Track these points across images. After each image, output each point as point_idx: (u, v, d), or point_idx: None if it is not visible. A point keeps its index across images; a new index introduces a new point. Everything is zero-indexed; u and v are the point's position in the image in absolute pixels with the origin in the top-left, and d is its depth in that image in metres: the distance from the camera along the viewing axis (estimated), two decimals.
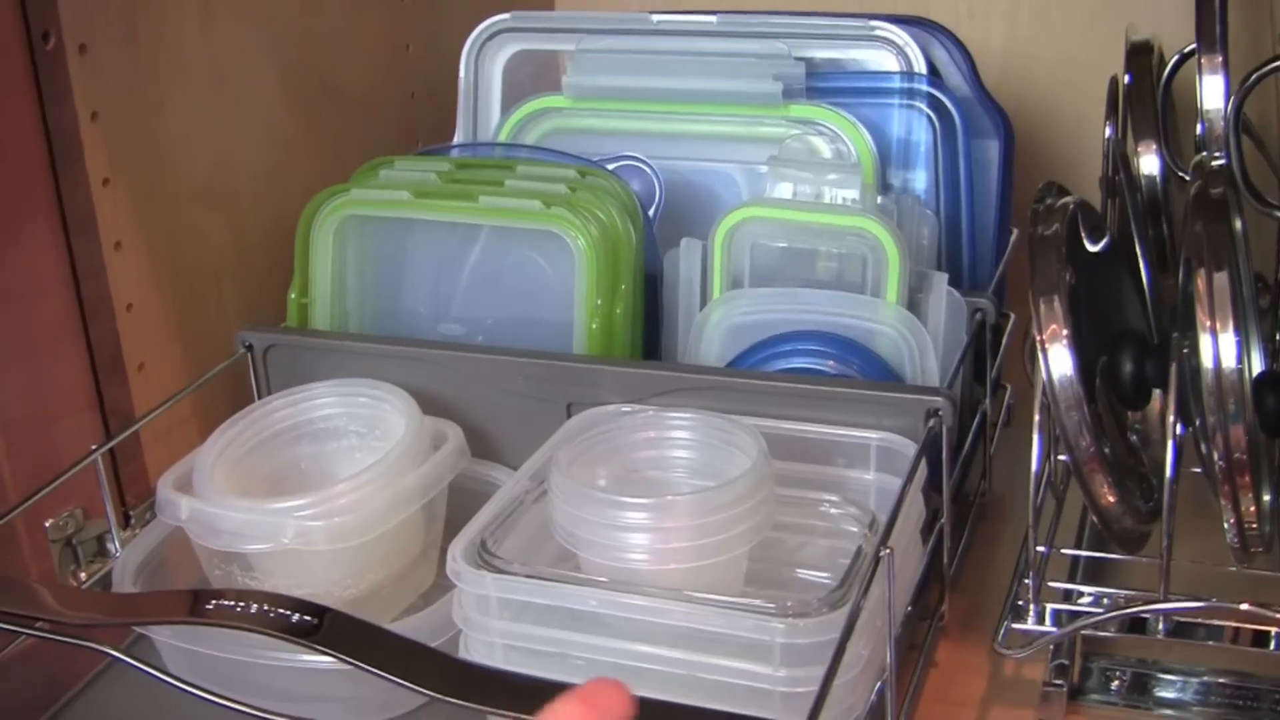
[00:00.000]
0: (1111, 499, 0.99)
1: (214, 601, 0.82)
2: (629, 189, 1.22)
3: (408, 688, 0.75)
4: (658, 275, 1.22)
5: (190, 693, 0.82)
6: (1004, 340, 1.27)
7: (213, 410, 1.19)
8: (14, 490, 1.08)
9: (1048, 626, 1.02)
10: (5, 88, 1.07)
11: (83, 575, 1.14)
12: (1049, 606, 1.03)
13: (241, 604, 0.81)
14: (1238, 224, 0.97)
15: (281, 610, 0.80)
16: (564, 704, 0.61)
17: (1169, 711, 1.02)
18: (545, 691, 0.75)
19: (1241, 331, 0.91)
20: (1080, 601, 1.06)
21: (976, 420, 1.20)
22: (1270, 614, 0.96)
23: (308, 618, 0.80)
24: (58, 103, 1.11)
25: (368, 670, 0.76)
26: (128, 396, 1.18)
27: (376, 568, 1.05)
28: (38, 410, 1.11)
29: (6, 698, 1.02)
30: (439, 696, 0.75)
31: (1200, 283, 0.92)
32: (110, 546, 1.13)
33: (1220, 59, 1.08)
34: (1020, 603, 1.03)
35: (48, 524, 1.12)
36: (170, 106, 1.21)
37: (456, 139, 1.39)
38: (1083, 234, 1.06)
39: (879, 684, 0.93)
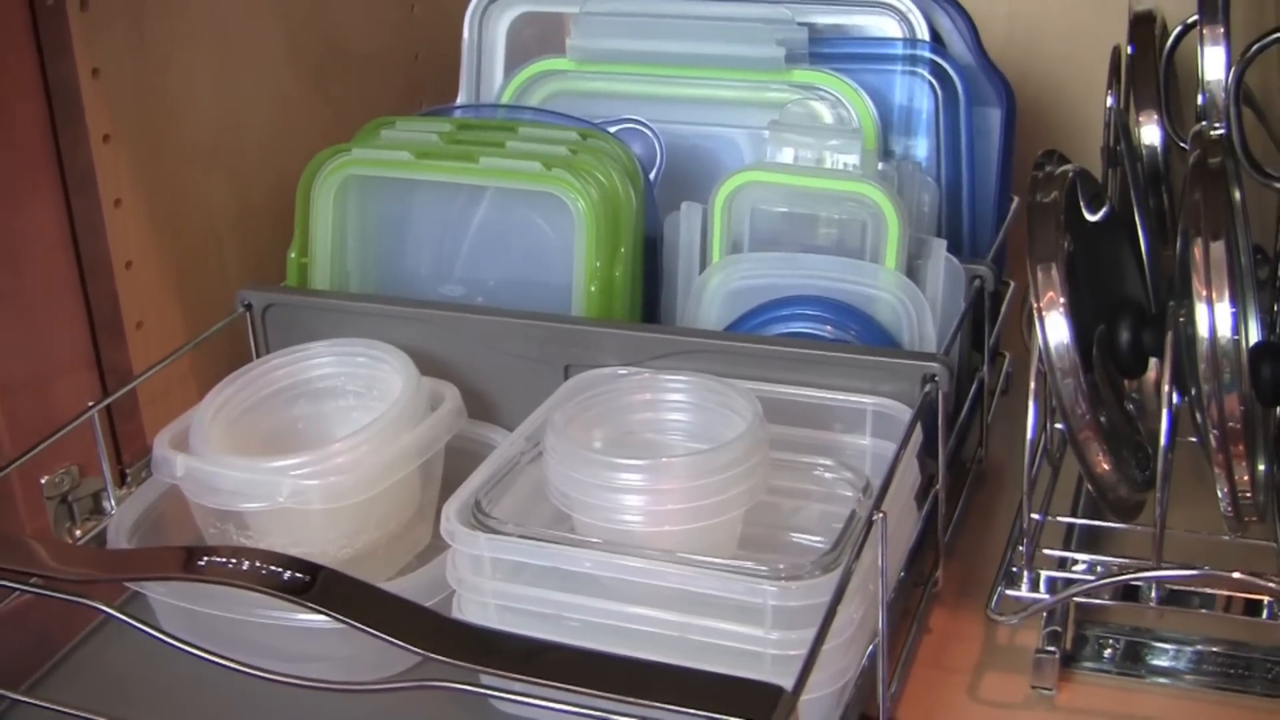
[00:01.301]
0: (1106, 467, 0.99)
1: (207, 558, 0.82)
2: (630, 152, 1.21)
3: (399, 646, 0.75)
4: (657, 239, 1.22)
5: (184, 650, 0.81)
6: (1003, 308, 1.27)
7: (211, 369, 1.19)
8: (11, 447, 1.08)
9: (1041, 593, 1.03)
10: (5, 43, 1.07)
11: (78, 533, 1.14)
12: (1043, 573, 1.04)
13: (234, 561, 0.81)
14: (1236, 194, 0.97)
15: (274, 567, 0.80)
16: None
17: (1162, 680, 1.02)
18: (538, 652, 0.75)
19: (1238, 301, 0.91)
20: (1074, 569, 1.06)
21: (974, 388, 1.20)
22: (1263, 583, 0.96)
23: (300, 575, 0.80)
24: (58, 59, 1.11)
25: (359, 628, 0.76)
26: (126, 355, 1.18)
27: (372, 527, 1.05)
28: (35, 368, 1.11)
29: None
30: (431, 655, 0.75)
31: (1197, 252, 0.92)
32: (106, 504, 1.14)
33: (1222, 30, 1.08)
34: (1014, 569, 1.04)
35: (43, 481, 1.12)
36: (173, 64, 1.21)
37: (460, 101, 1.39)
38: (1081, 203, 1.05)
39: (870, 648, 0.93)
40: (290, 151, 1.33)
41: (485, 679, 0.78)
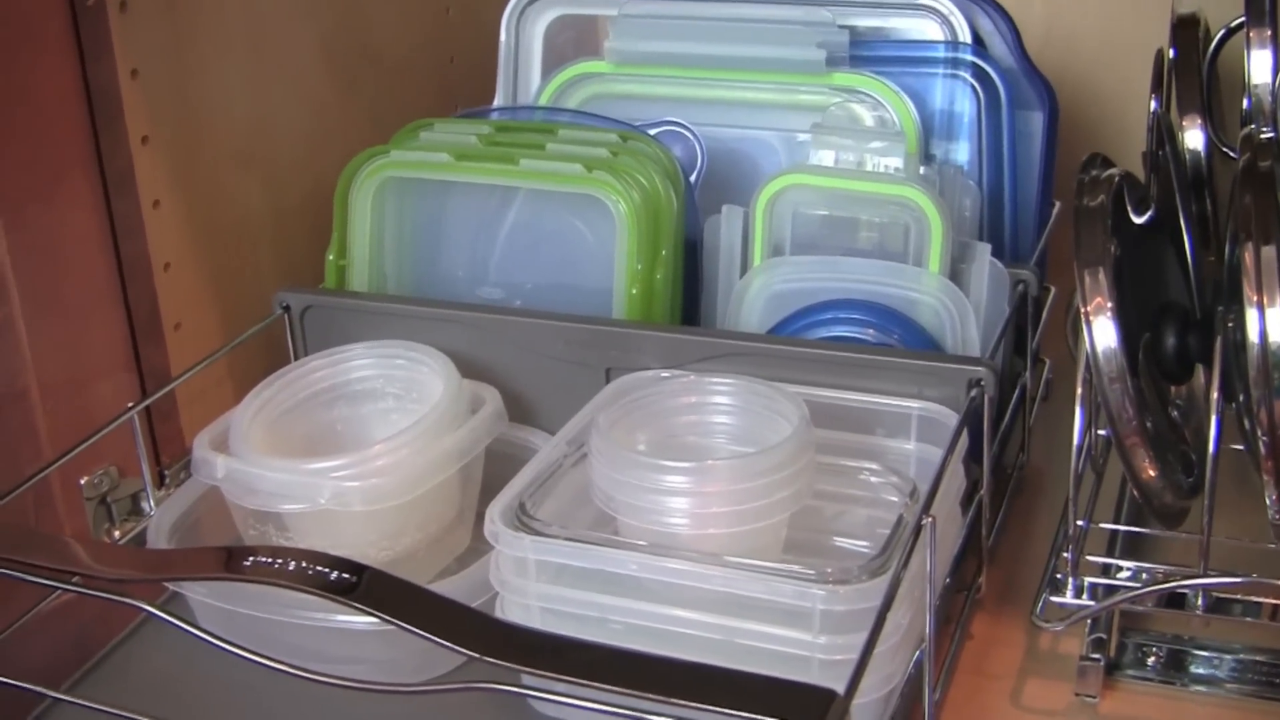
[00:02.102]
0: (1153, 473, 0.98)
1: (251, 558, 0.82)
2: (671, 154, 1.21)
3: (447, 647, 0.75)
4: (698, 242, 1.21)
5: (226, 649, 0.81)
6: (1044, 313, 1.26)
7: (249, 372, 1.19)
8: (50, 448, 1.08)
9: (1085, 600, 1.02)
10: (46, 45, 1.07)
11: (116, 534, 1.14)
12: (1087, 580, 1.03)
13: (279, 561, 0.81)
14: None
15: (319, 567, 0.80)
16: None
17: (1204, 688, 1.02)
18: (586, 652, 0.75)
19: None
20: (1119, 576, 1.05)
21: (1016, 393, 1.19)
22: None
23: (346, 575, 0.79)
24: (98, 60, 1.11)
25: (407, 629, 0.76)
26: (164, 356, 1.18)
27: (412, 530, 1.05)
28: (75, 369, 1.11)
29: (38, 655, 1.02)
30: (479, 656, 0.74)
31: (1248, 256, 0.91)
32: (145, 505, 1.14)
33: (1269, 33, 1.07)
34: (1059, 576, 1.03)
35: (83, 482, 1.12)
36: (210, 67, 1.21)
37: (496, 104, 1.39)
38: (1128, 207, 1.05)
39: (917, 653, 0.93)
40: (324, 154, 1.33)
41: (529, 680, 0.78)
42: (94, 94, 1.11)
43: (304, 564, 0.80)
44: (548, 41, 1.38)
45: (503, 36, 1.38)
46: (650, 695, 0.70)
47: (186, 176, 1.19)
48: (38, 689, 0.95)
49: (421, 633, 0.76)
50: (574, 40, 1.38)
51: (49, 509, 1.11)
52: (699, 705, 0.69)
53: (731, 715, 0.69)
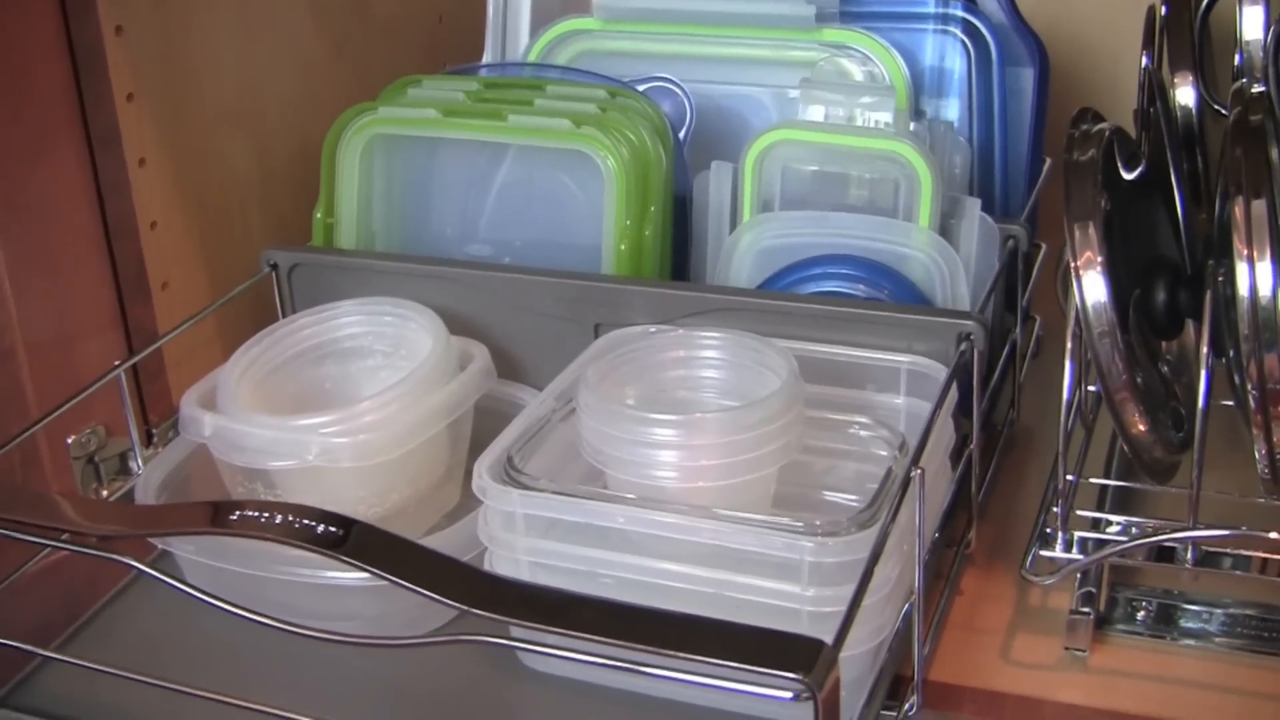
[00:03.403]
0: (1143, 428, 0.98)
1: (238, 512, 0.81)
2: (660, 110, 1.20)
3: (436, 600, 0.75)
4: (687, 198, 1.21)
5: (215, 605, 0.81)
6: (1035, 270, 1.26)
7: (237, 331, 1.18)
8: (37, 408, 1.08)
9: (1075, 554, 1.02)
10: (29, 1, 1.06)
11: (105, 493, 1.14)
12: (1077, 534, 1.03)
13: (266, 515, 0.81)
14: (1274, 153, 0.96)
15: (307, 521, 0.79)
16: None
17: (1193, 642, 1.02)
18: (577, 606, 0.75)
19: (1277, 260, 0.90)
20: (1108, 530, 1.05)
21: (1006, 349, 1.19)
22: None
23: (334, 529, 0.79)
24: (81, 16, 1.10)
25: (396, 582, 0.76)
26: (151, 315, 1.18)
27: (401, 487, 1.04)
28: (61, 328, 1.11)
29: (27, 614, 1.02)
30: (469, 610, 0.74)
31: (1238, 210, 0.90)
32: (133, 464, 1.13)
33: None
34: (1048, 530, 1.03)
35: (70, 441, 1.12)
36: (196, 24, 1.21)
37: (484, 62, 1.38)
38: (1118, 162, 1.04)
39: (906, 607, 0.93)
40: (312, 113, 1.32)
41: (518, 634, 0.78)
42: (78, 51, 1.11)
43: (291, 518, 0.80)
44: None
45: None
46: (639, 647, 0.71)
47: (173, 134, 1.19)
48: (27, 647, 0.95)
49: (410, 586, 0.75)
50: None
51: (36, 469, 1.11)
52: (688, 656, 0.69)
53: (720, 666, 0.69)
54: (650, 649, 0.70)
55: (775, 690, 0.68)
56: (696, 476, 0.92)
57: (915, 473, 0.86)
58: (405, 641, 0.82)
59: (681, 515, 0.88)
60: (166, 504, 1.04)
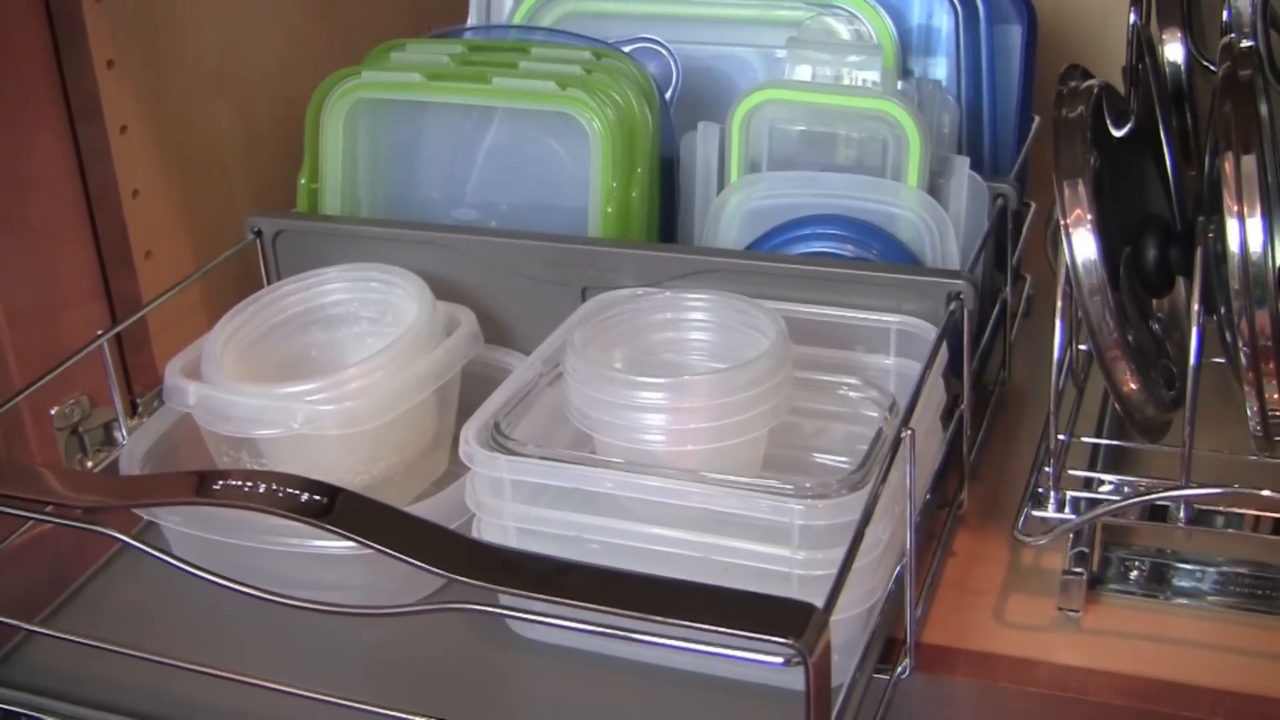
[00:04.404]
0: (1134, 386, 0.97)
1: (221, 482, 0.81)
2: (646, 71, 1.20)
3: (422, 568, 0.74)
4: (674, 159, 1.20)
5: (200, 576, 0.80)
6: (1024, 229, 1.25)
7: (221, 299, 1.17)
8: (19, 379, 1.08)
9: (1067, 514, 1.01)
10: None
11: (89, 464, 1.14)
12: (1069, 494, 1.02)
13: (250, 484, 0.80)
14: (1264, 108, 0.96)
15: (291, 490, 0.79)
16: None
17: (1186, 601, 1.01)
18: (564, 572, 0.74)
19: (1268, 216, 0.89)
20: (1101, 490, 1.05)
21: (996, 309, 1.19)
22: None
23: (318, 498, 0.78)
24: None
25: (381, 551, 0.75)
26: (135, 284, 1.17)
27: (388, 454, 1.04)
28: (43, 298, 1.10)
29: (12, 588, 1.01)
30: (455, 577, 0.73)
31: (1228, 166, 0.90)
32: (117, 434, 1.13)
33: None
34: (1040, 490, 1.02)
35: (53, 412, 1.11)
36: None
37: (469, 24, 1.37)
38: (1107, 119, 1.04)
39: (898, 569, 0.92)
40: (296, 77, 1.31)
41: (506, 601, 0.77)
42: (56, 18, 1.10)
43: (275, 487, 0.79)
44: None
45: None
46: (628, 613, 0.70)
47: (154, 101, 1.18)
48: (13, 621, 0.94)
49: (396, 554, 0.75)
50: None
51: (20, 440, 1.10)
52: (677, 622, 0.69)
53: (711, 631, 0.68)
54: (639, 615, 0.70)
55: (766, 655, 0.68)
56: (685, 440, 0.92)
57: (905, 434, 0.85)
58: (392, 610, 0.82)
59: (670, 479, 0.87)
60: (151, 474, 1.03)
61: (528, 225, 1.18)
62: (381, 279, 1.12)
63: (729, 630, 0.68)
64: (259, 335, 1.09)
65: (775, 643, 0.67)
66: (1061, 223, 0.95)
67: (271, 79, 1.32)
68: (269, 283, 1.19)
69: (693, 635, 0.69)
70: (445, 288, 1.12)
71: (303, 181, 1.24)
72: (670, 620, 0.69)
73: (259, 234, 1.19)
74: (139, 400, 1.18)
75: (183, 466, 1.07)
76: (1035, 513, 1.02)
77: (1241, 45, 0.98)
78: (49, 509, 0.84)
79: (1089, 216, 0.95)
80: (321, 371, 1.07)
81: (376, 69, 1.22)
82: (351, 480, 1.02)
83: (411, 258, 1.14)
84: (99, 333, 1.07)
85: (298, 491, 0.79)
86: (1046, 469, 1.02)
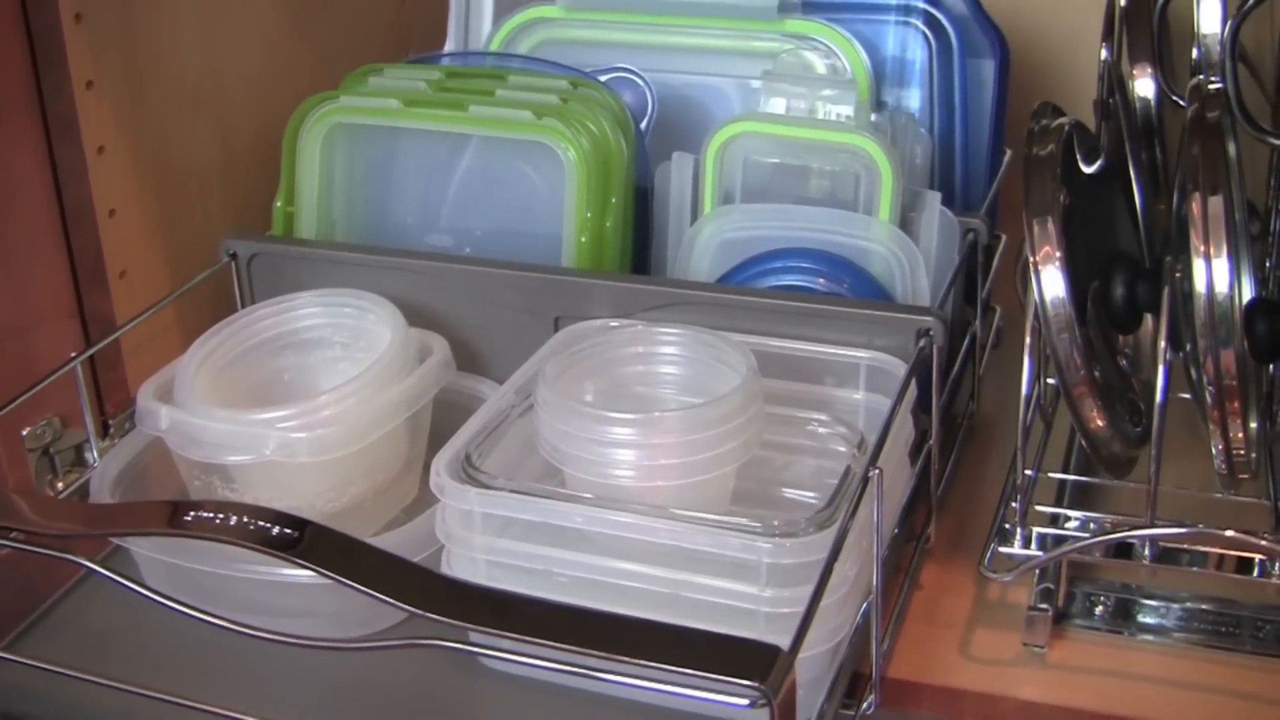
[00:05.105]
0: (1101, 423, 0.98)
1: (193, 513, 0.81)
2: (621, 101, 1.20)
3: (388, 603, 0.75)
4: (648, 189, 1.21)
5: (168, 606, 0.81)
6: (995, 262, 1.26)
7: (196, 320, 1.18)
8: None
9: (1034, 550, 1.02)
10: None
11: (60, 485, 1.13)
12: (1035, 530, 1.03)
13: (221, 516, 0.80)
14: (1232, 149, 0.96)
15: (261, 523, 0.79)
16: None
17: (1151, 637, 1.02)
18: (528, 608, 0.75)
19: (1234, 257, 0.90)
20: (1067, 526, 1.05)
21: (966, 341, 1.19)
22: (1255, 540, 0.96)
23: (288, 530, 0.79)
24: (40, 3, 1.09)
25: (348, 585, 0.76)
26: (109, 304, 1.17)
27: (359, 481, 1.04)
28: (16, 317, 1.10)
29: None
30: (419, 612, 0.74)
31: (1195, 207, 0.91)
32: (89, 456, 1.13)
33: None
34: (1007, 526, 1.03)
35: (25, 433, 1.11)
36: (157, 9, 1.20)
37: (448, 48, 1.37)
38: (1078, 156, 1.04)
39: (864, 605, 0.93)
40: (275, 98, 1.31)
41: (474, 636, 0.78)
42: (36, 38, 1.10)
43: (246, 519, 0.80)
44: None
45: None
46: (593, 652, 0.70)
47: (133, 121, 1.18)
48: None
49: (364, 589, 0.75)
50: None
51: None
52: (642, 662, 0.69)
53: (676, 671, 0.69)
54: (603, 655, 0.70)
55: (731, 696, 0.68)
56: (655, 475, 0.92)
57: (873, 473, 0.86)
58: (359, 645, 0.82)
59: (639, 515, 0.88)
60: (122, 503, 1.03)
61: (502, 252, 1.18)
62: (355, 304, 1.12)
63: (694, 671, 0.68)
64: (232, 359, 1.09)
65: (740, 685, 0.68)
66: (1030, 260, 0.96)
67: (249, 100, 1.32)
68: (243, 305, 1.19)
69: (658, 674, 0.69)
70: (418, 314, 1.13)
71: (278, 205, 1.24)
72: (635, 660, 0.69)
73: (234, 256, 1.19)
74: (111, 421, 1.17)
75: (154, 489, 1.07)
76: (1002, 549, 1.02)
77: (1210, 87, 0.99)
78: (19, 535, 0.85)
79: (1057, 254, 0.95)
80: (294, 396, 1.07)
81: (354, 94, 1.22)
82: (322, 507, 1.02)
83: (386, 283, 1.14)
84: (72, 355, 1.07)
85: (268, 524, 0.79)
86: (1013, 504, 1.02)
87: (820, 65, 1.23)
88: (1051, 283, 0.95)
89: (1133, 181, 1.09)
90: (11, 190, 1.09)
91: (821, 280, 1.11)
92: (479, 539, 0.92)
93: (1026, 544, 1.02)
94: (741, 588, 0.86)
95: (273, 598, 0.95)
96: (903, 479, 1.03)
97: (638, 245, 1.20)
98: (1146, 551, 1.02)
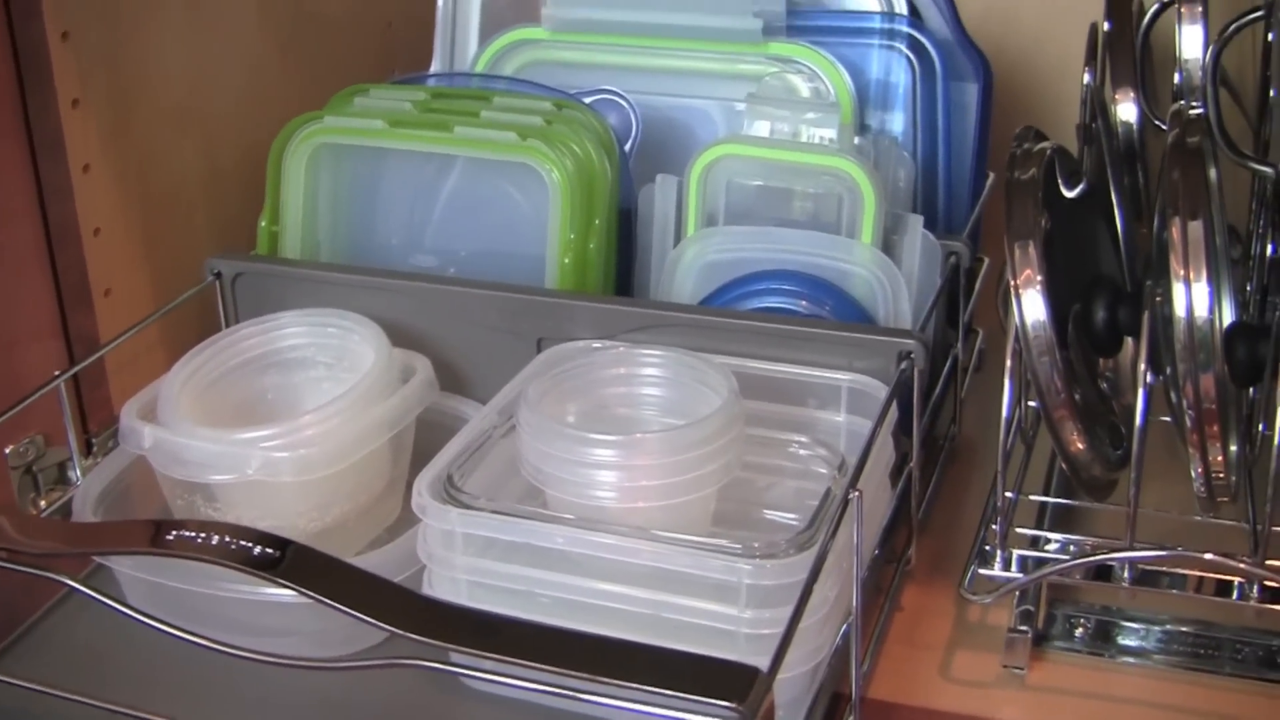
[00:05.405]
0: (1081, 446, 0.99)
1: (175, 532, 0.82)
2: (605, 123, 1.20)
3: (369, 623, 0.75)
4: (632, 211, 1.21)
5: (150, 625, 0.81)
6: (977, 284, 1.27)
7: (180, 339, 1.18)
8: None
9: (1014, 572, 1.02)
10: None
11: (43, 503, 1.13)
12: (1015, 552, 1.03)
13: (203, 535, 0.81)
14: (1213, 173, 0.97)
15: (244, 542, 0.80)
16: None
17: (1131, 659, 1.02)
18: (509, 629, 0.75)
19: (1214, 281, 0.91)
20: (1047, 548, 1.06)
21: (948, 364, 1.20)
22: (1233, 563, 0.97)
23: (270, 550, 0.79)
24: (27, 21, 1.09)
25: (329, 604, 0.76)
26: (93, 323, 1.17)
27: (342, 500, 1.04)
28: (0, 335, 1.10)
29: None
30: (400, 632, 0.75)
31: (1175, 231, 0.91)
32: (71, 474, 1.13)
33: (1200, 8, 1.08)
34: (987, 548, 1.04)
35: (8, 450, 1.11)
36: (143, 28, 1.20)
37: (433, 69, 1.38)
38: (1059, 180, 1.05)
39: (845, 626, 0.93)
40: (260, 118, 1.31)
41: (455, 656, 0.78)
42: (22, 56, 1.10)
43: (228, 539, 0.80)
44: (486, 7, 1.37)
45: (440, 1, 1.37)
46: (573, 673, 0.71)
47: (118, 140, 1.18)
48: None
49: (344, 608, 0.76)
50: (512, 6, 1.37)
51: None
52: (621, 684, 0.70)
53: (655, 693, 0.69)
54: (582, 675, 0.70)
55: (710, 718, 0.68)
56: (636, 496, 0.92)
57: (854, 494, 0.86)
58: (340, 665, 0.83)
59: (620, 536, 0.88)
60: (105, 522, 1.03)
61: (486, 272, 1.19)
62: (339, 324, 1.12)
63: (673, 692, 0.69)
64: (216, 378, 1.09)
65: (719, 706, 0.68)
66: (1011, 284, 0.97)
67: (235, 118, 1.32)
68: (227, 324, 1.20)
69: (638, 695, 0.70)
70: (402, 334, 1.13)
71: (263, 224, 1.24)
72: (615, 681, 0.70)
73: (219, 276, 1.20)
74: (94, 440, 1.17)
75: (137, 508, 1.07)
76: (982, 571, 1.03)
77: (1191, 112, 0.99)
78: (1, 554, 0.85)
79: (1039, 278, 0.96)
80: (277, 415, 1.07)
81: (339, 114, 1.23)
82: (305, 526, 1.02)
83: (369, 303, 1.14)
84: (56, 373, 1.07)
85: (250, 544, 0.80)
86: (994, 526, 1.03)
87: (804, 88, 1.23)
88: (1032, 306, 0.96)
89: (1114, 205, 1.09)
90: None
91: (804, 302, 1.12)
92: (461, 559, 0.92)
93: (1007, 566, 1.02)
94: (721, 609, 0.86)
95: (255, 617, 0.95)
96: (883, 501, 1.03)
97: (621, 267, 1.21)
98: (1126, 574, 1.03)
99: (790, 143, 1.17)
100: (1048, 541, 1.07)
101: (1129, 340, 1.06)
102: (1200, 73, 1.06)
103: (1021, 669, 1.01)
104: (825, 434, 1.03)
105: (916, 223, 1.14)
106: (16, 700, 0.95)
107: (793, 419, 1.05)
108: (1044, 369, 0.96)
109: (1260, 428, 1.03)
